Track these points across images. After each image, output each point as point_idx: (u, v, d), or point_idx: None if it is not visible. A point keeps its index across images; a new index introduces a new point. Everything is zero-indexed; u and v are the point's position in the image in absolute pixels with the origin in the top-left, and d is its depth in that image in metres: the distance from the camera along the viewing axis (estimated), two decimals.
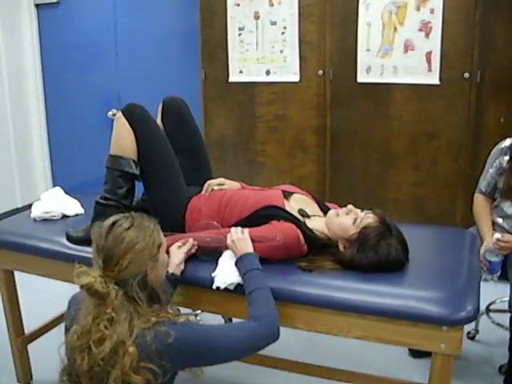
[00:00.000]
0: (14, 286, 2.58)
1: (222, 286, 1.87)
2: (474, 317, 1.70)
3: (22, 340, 2.65)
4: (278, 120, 4.07)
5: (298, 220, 2.05)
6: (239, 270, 1.86)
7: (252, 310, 1.73)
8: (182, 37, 4.62)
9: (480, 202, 2.74)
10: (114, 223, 1.64)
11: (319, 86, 3.90)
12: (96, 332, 1.53)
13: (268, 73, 4.00)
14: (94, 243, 1.64)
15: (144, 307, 1.59)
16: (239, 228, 1.97)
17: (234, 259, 1.90)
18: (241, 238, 1.92)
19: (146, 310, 1.59)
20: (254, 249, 1.91)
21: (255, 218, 2.07)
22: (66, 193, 2.77)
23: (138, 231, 1.63)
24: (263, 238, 1.94)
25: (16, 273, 2.55)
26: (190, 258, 2.00)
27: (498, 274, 2.49)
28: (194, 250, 2.00)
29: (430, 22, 3.54)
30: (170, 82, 4.53)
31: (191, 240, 2.00)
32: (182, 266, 1.93)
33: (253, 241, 1.92)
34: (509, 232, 2.62)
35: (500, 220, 2.67)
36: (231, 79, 4.10)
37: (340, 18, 3.76)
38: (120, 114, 2.26)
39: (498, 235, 2.49)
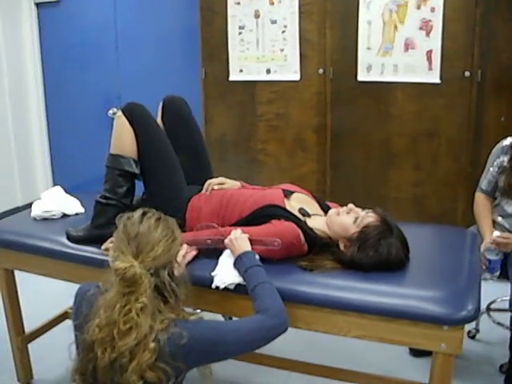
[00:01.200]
0: (15, 285, 2.58)
1: (222, 286, 1.87)
2: (475, 316, 1.70)
3: (22, 339, 2.64)
4: (278, 119, 4.07)
5: (299, 219, 2.04)
6: (239, 269, 1.86)
7: (257, 305, 1.73)
8: (182, 35, 4.62)
9: (481, 201, 2.74)
10: (144, 213, 1.68)
11: (320, 85, 3.89)
12: (123, 322, 1.51)
13: (268, 71, 4.00)
14: (123, 232, 1.64)
15: (171, 301, 1.61)
16: (239, 229, 1.97)
17: (233, 258, 1.90)
18: (239, 238, 1.92)
19: (167, 305, 1.61)
20: (254, 251, 1.91)
21: (256, 218, 2.06)
22: (67, 192, 2.77)
23: (166, 224, 1.68)
24: (263, 242, 1.94)
25: (16, 272, 2.54)
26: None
27: (498, 273, 2.49)
28: (190, 258, 1.98)
29: (430, 21, 3.54)
30: (171, 80, 4.53)
31: (185, 246, 1.96)
32: (181, 270, 1.88)
33: (252, 243, 1.92)
34: (509, 231, 2.62)
35: (500, 219, 2.67)
36: (231, 78, 4.10)
37: (340, 16, 3.76)
38: (120, 112, 2.26)
39: (497, 233, 2.49)
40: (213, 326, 1.65)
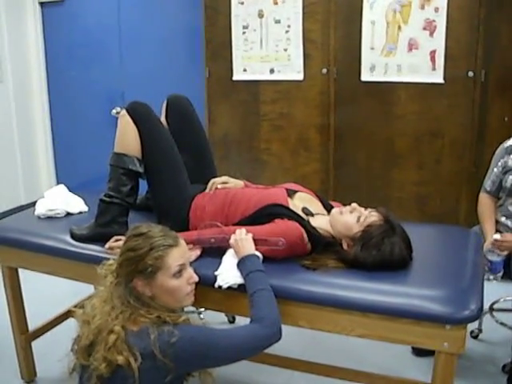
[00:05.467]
0: (18, 283, 2.58)
1: (225, 286, 1.87)
2: (478, 316, 1.70)
3: (26, 337, 2.65)
4: (281, 118, 4.07)
5: (302, 218, 2.05)
6: (241, 271, 1.86)
7: (254, 312, 1.74)
8: (186, 35, 4.63)
9: (484, 202, 2.74)
10: (140, 225, 1.77)
11: (323, 85, 3.90)
12: (94, 308, 1.69)
13: (272, 71, 4.00)
14: None
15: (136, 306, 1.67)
16: (243, 229, 1.97)
17: (237, 259, 1.90)
18: (244, 239, 1.92)
19: (139, 307, 1.67)
20: (258, 251, 1.91)
21: (259, 217, 2.07)
22: (70, 190, 2.77)
23: (142, 242, 1.70)
24: (266, 242, 1.94)
25: (20, 270, 2.55)
26: None
27: (501, 273, 2.49)
28: (194, 257, 2.00)
29: (434, 21, 3.54)
30: (174, 80, 4.53)
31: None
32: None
33: (256, 243, 1.93)
34: None
35: (504, 219, 2.67)
36: (235, 77, 4.10)
37: (344, 16, 3.76)
38: (124, 111, 2.26)
39: (497, 236, 2.48)
40: (206, 331, 1.68)
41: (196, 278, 1.77)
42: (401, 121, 3.78)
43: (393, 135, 3.83)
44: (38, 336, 2.73)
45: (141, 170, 2.24)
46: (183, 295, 1.75)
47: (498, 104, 3.57)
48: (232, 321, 3.18)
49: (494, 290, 2.82)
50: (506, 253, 2.48)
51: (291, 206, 2.10)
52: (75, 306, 2.84)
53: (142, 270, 1.67)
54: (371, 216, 1.98)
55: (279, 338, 1.72)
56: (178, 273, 1.71)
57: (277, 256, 1.97)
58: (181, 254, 1.73)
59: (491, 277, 2.50)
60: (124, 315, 1.64)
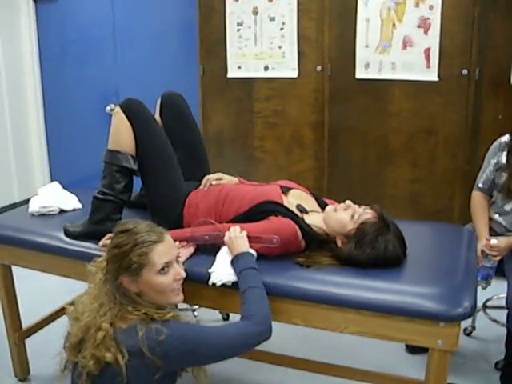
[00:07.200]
0: (12, 280, 2.58)
1: (218, 283, 1.86)
2: (471, 313, 1.70)
3: (19, 335, 2.64)
4: (276, 116, 4.07)
5: (296, 215, 2.04)
6: (235, 268, 1.86)
7: (244, 309, 1.74)
8: (180, 32, 4.62)
9: (477, 200, 2.74)
10: (127, 221, 1.78)
11: (317, 82, 3.89)
12: (84, 305, 1.72)
13: (266, 68, 4.00)
14: None
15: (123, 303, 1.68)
16: (238, 227, 1.97)
17: (231, 256, 1.90)
18: (238, 236, 1.92)
19: (126, 304, 1.68)
20: (252, 248, 1.91)
21: (253, 214, 2.06)
22: (64, 188, 2.77)
23: (127, 238, 1.70)
24: (261, 240, 1.94)
25: (14, 267, 2.54)
26: None
27: (492, 279, 2.52)
28: (187, 255, 2.00)
29: (428, 19, 3.54)
30: (169, 77, 4.53)
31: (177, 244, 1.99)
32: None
33: (250, 241, 1.92)
34: (506, 228, 2.62)
35: (497, 216, 2.67)
36: (229, 75, 4.09)
37: (339, 14, 3.76)
38: (118, 108, 2.25)
39: (494, 241, 2.48)
40: (195, 328, 1.69)
41: (183, 274, 1.76)
42: (395, 118, 3.78)
43: (387, 133, 3.83)
44: (32, 333, 2.73)
45: (135, 167, 2.23)
46: (170, 292, 1.74)
47: (492, 102, 3.57)
48: (226, 318, 3.18)
49: (488, 287, 2.83)
50: (499, 258, 2.50)
51: (285, 204, 2.09)
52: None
53: (127, 266, 1.67)
54: (365, 213, 1.98)
55: (269, 336, 1.72)
56: (164, 269, 1.70)
57: (271, 253, 1.97)
58: (166, 249, 1.72)
59: (483, 284, 2.51)
60: (112, 312, 1.64)
